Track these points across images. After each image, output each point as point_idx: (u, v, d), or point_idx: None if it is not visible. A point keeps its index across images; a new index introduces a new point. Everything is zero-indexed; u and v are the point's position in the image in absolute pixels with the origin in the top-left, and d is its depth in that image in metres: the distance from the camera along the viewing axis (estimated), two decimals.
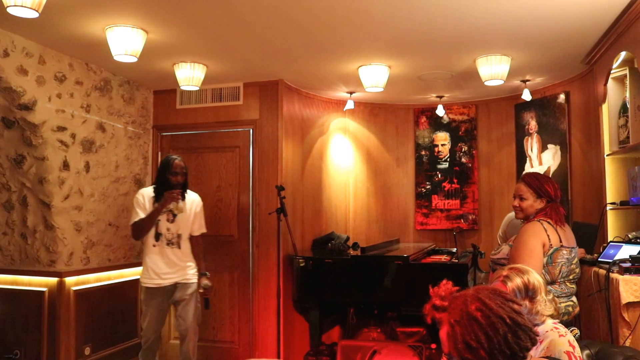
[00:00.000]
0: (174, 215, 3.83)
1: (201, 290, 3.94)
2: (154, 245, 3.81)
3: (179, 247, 3.85)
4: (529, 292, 1.96)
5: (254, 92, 4.73)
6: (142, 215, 3.77)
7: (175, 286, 3.84)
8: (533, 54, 4.02)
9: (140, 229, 3.79)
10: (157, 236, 3.81)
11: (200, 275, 3.95)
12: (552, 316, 2.01)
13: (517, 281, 1.97)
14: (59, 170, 3.96)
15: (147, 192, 3.86)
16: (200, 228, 4.00)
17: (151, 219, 3.76)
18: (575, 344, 1.93)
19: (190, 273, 3.89)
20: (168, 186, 3.79)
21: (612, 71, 3.69)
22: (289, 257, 4.51)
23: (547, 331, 1.95)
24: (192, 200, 3.98)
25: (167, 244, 3.82)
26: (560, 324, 2.01)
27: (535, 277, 2.00)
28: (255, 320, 4.60)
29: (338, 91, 5.13)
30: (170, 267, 3.81)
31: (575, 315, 2.77)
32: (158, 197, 3.79)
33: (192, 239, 3.96)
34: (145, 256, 3.85)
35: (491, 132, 5.62)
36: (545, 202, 2.78)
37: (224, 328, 4.70)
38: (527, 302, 1.95)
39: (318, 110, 5.32)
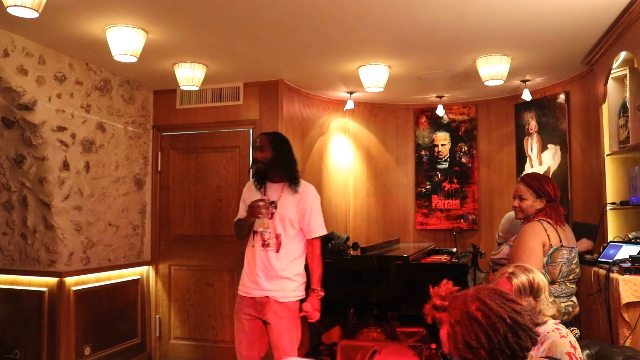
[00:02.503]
0: (275, 208, 3.13)
1: (302, 313, 3.16)
2: (253, 246, 3.18)
3: (277, 251, 3.11)
4: (533, 290, 1.97)
5: (254, 92, 4.73)
6: (241, 212, 3.22)
7: (267, 300, 3.10)
8: (533, 54, 4.02)
9: (235, 232, 3.30)
10: (254, 234, 3.18)
11: (311, 291, 3.14)
12: (553, 317, 2.01)
13: (522, 278, 1.98)
14: (59, 170, 3.96)
15: (251, 180, 3.29)
16: (316, 228, 3.17)
17: (240, 228, 3.22)
18: (577, 345, 1.93)
19: (290, 288, 3.11)
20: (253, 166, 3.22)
21: (612, 71, 3.69)
22: None
23: (548, 332, 1.95)
24: (304, 189, 3.21)
25: (262, 245, 3.14)
26: (561, 325, 2.01)
27: (540, 277, 2.01)
28: None
29: (338, 91, 5.13)
30: (261, 275, 3.12)
31: (575, 315, 2.77)
32: (259, 183, 3.19)
33: (308, 242, 3.20)
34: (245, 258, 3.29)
35: (491, 132, 5.62)
36: (545, 202, 2.78)
37: (224, 328, 4.70)
38: (531, 299, 1.96)
39: (318, 110, 5.32)
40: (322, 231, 3.21)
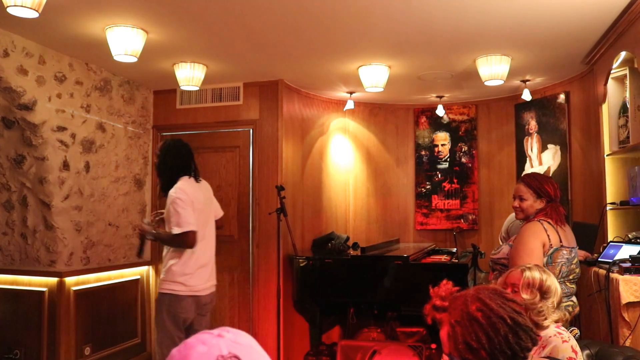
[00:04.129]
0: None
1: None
2: None
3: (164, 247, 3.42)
4: (542, 290, 1.96)
5: (254, 92, 4.73)
6: None
7: None
8: (533, 54, 4.01)
9: None
10: None
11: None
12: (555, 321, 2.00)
13: (536, 274, 1.98)
14: (59, 170, 3.96)
15: None
16: (173, 227, 3.19)
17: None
18: (578, 349, 1.92)
19: (162, 279, 3.30)
20: None
21: (612, 71, 3.69)
22: (289, 257, 4.51)
23: (550, 336, 1.94)
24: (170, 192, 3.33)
25: None
26: (563, 329, 2.00)
27: (555, 285, 1.99)
28: (255, 320, 4.60)
29: (338, 91, 5.12)
30: None
31: (575, 315, 2.77)
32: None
33: None
34: None
35: (491, 132, 5.62)
36: (545, 202, 2.78)
37: None
38: (538, 295, 1.95)
39: (318, 110, 5.32)
40: (177, 229, 3.16)
